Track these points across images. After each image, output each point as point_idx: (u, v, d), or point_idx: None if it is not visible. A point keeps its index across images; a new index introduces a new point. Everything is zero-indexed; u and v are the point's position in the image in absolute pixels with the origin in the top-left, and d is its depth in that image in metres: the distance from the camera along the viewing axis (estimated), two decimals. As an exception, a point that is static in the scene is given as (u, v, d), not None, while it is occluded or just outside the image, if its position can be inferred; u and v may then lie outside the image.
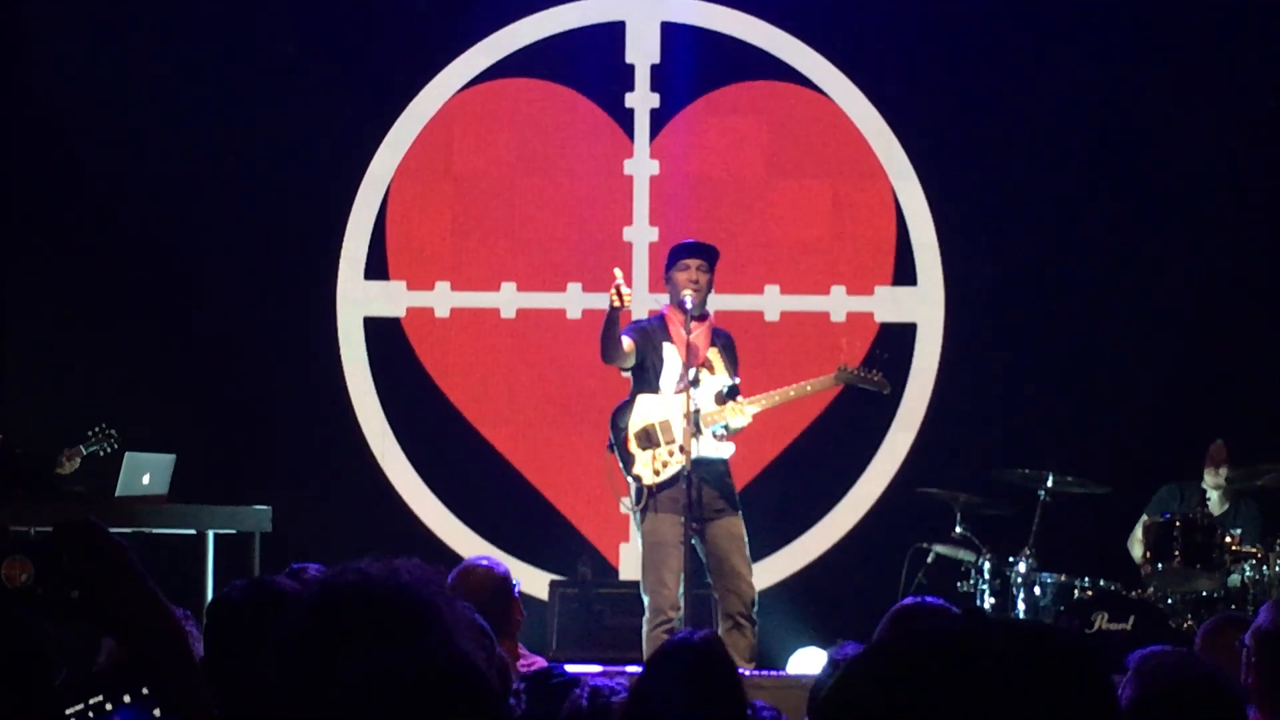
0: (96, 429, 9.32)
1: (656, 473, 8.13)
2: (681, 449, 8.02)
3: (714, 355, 8.27)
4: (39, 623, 3.69)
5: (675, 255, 8.34)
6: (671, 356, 8.26)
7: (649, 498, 8.14)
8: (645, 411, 8.23)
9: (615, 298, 7.93)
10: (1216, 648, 4.68)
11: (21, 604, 2.46)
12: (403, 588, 2.08)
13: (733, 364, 8.36)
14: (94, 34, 10.68)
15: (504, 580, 6.03)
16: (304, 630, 2.05)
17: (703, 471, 8.08)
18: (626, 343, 8.19)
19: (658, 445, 8.16)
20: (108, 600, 2.43)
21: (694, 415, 8.02)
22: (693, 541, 8.04)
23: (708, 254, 8.31)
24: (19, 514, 8.74)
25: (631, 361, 8.26)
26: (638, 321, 8.50)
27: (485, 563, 6.16)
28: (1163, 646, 3.65)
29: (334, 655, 2.01)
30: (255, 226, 10.67)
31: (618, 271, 8.04)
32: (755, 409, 8.25)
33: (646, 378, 8.28)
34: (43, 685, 3.63)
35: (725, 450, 8.22)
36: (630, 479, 8.23)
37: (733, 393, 8.22)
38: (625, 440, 8.22)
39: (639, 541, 8.28)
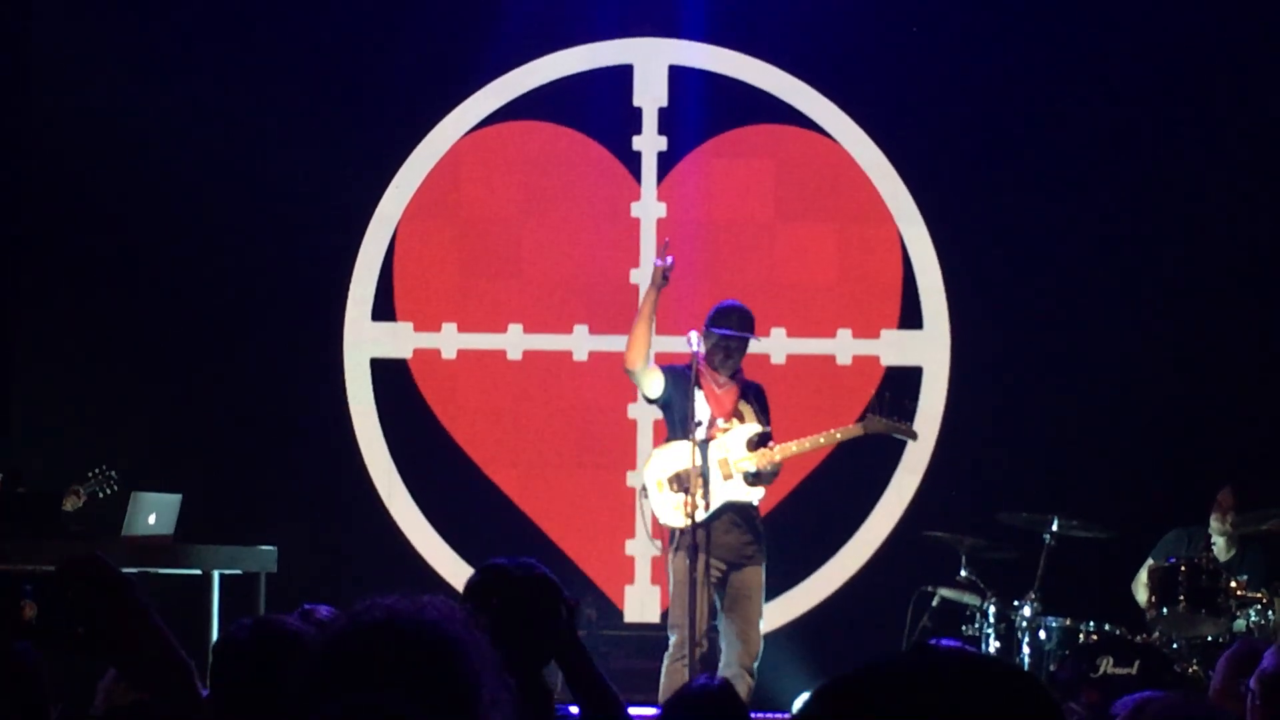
0: (96, 470, 9.34)
1: (689, 516, 8.22)
2: (689, 489, 8.12)
3: (744, 407, 8.45)
4: (37, 659, 3.70)
5: (725, 324, 8.45)
6: (702, 405, 8.40)
7: (679, 538, 8.25)
8: (678, 457, 8.36)
9: (660, 277, 8.38)
10: (1237, 680, 4.65)
11: (28, 639, 2.46)
12: (429, 624, 2.09)
13: (764, 413, 8.50)
14: (104, 74, 10.72)
15: None
16: (330, 663, 2.06)
17: (735, 514, 8.31)
18: (656, 371, 8.42)
19: (689, 490, 8.25)
20: (112, 634, 2.43)
21: (705, 467, 8.18)
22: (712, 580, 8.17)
23: (749, 340, 8.50)
24: (24, 552, 8.74)
25: (654, 392, 8.45)
26: (673, 365, 8.58)
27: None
28: (1151, 692, 3.63)
29: (359, 688, 2.01)
30: (263, 267, 10.69)
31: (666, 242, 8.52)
32: (784, 455, 8.39)
33: (679, 425, 8.42)
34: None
35: (755, 495, 8.40)
36: (662, 522, 8.36)
37: (764, 440, 8.37)
38: (659, 484, 8.35)
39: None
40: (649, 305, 8.48)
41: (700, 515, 8.21)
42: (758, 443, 8.36)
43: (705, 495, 8.22)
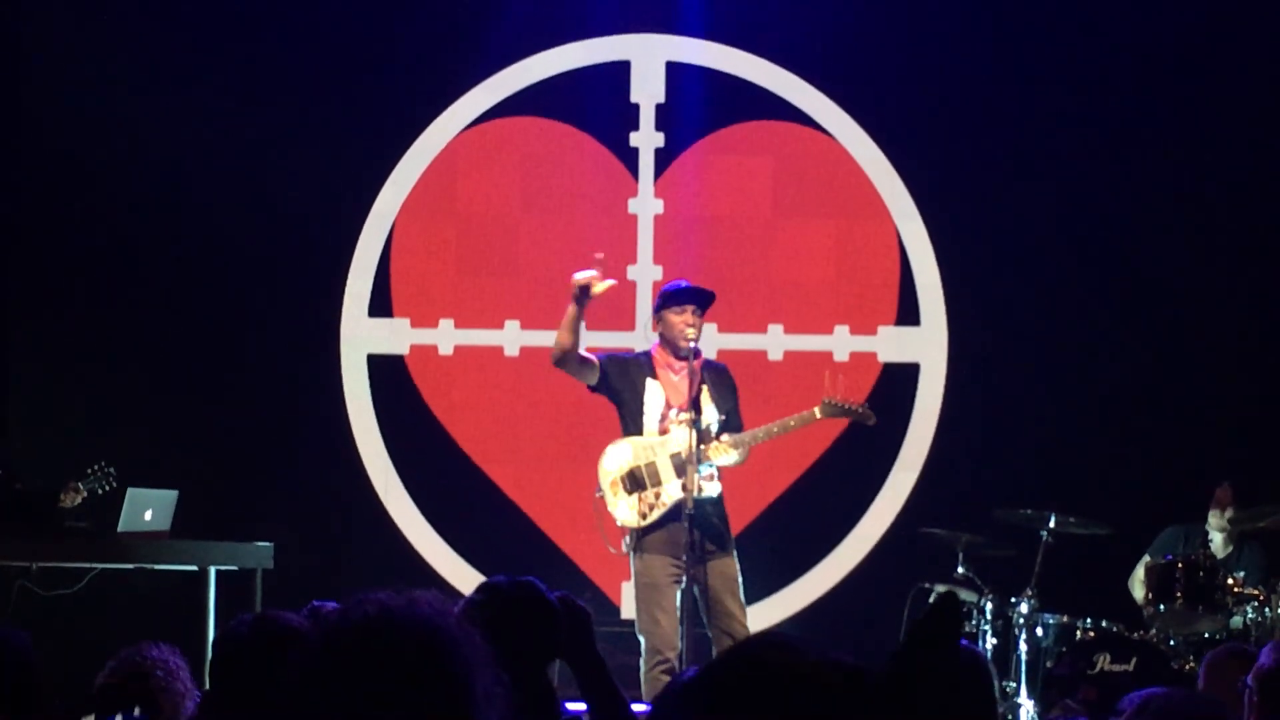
0: (95, 467, 9.33)
1: (644, 515, 8.13)
2: (684, 487, 8.01)
3: (703, 394, 8.22)
4: (33, 649, 3.72)
5: (673, 298, 8.31)
6: (655, 396, 8.26)
7: (638, 539, 8.15)
8: (631, 454, 8.23)
9: (586, 284, 8.10)
10: (1221, 681, 4.67)
11: None
12: (422, 619, 2.09)
13: (730, 395, 8.33)
14: (100, 72, 10.71)
15: None
16: (323, 659, 2.05)
17: (694, 511, 8.01)
18: (589, 358, 8.24)
19: (644, 488, 8.15)
20: None
21: (695, 451, 8.01)
22: (686, 582, 8.04)
23: (705, 300, 8.31)
24: (22, 549, 8.75)
25: (590, 379, 8.28)
26: (620, 354, 8.52)
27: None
28: (1161, 688, 3.64)
29: (352, 684, 2.02)
30: (260, 263, 10.69)
31: (599, 256, 8.22)
32: (740, 445, 8.20)
33: (629, 419, 8.29)
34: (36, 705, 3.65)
35: (713, 489, 8.19)
36: (619, 523, 8.24)
37: (721, 430, 8.19)
38: (612, 484, 8.21)
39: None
40: (569, 319, 8.18)
41: (656, 514, 8.11)
42: (712, 435, 8.15)
43: (664, 492, 8.13)
